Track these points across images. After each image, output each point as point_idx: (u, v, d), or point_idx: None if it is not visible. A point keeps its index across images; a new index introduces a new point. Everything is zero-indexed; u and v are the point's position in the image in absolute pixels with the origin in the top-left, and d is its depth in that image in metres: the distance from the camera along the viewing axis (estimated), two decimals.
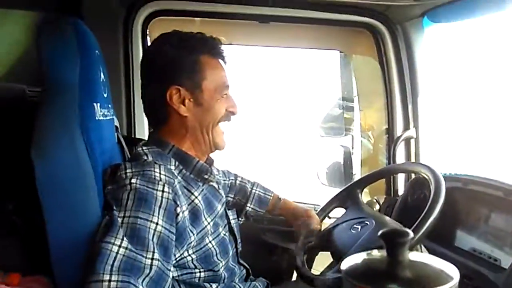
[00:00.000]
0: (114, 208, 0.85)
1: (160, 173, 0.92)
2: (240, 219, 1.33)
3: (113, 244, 0.79)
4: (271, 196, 1.38)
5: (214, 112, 1.04)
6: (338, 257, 1.17)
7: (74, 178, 0.80)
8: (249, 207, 1.35)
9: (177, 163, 1.02)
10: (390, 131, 1.62)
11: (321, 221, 1.31)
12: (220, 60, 1.06)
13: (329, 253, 1.22)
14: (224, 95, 1.05)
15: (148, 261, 0.81)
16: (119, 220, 0.83)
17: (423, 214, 1.00)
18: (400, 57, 1.54)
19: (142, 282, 0.79)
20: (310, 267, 1.39)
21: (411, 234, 0.46)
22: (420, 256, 0.49)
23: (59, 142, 0.79)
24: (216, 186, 1.11)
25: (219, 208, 1.08)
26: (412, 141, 1.59)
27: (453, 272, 0.48)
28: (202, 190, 1.04)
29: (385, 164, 1.67)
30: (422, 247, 1.13)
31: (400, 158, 1.60)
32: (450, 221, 1.25)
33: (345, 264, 0.50)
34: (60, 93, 0.82)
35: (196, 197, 0.99)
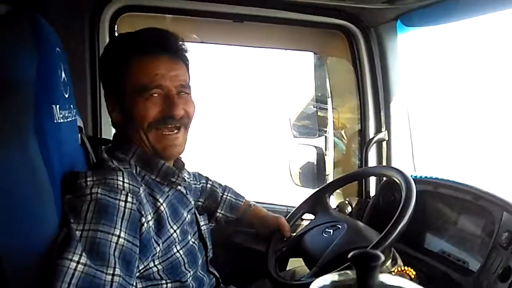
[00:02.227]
0: (72, 220, 0.79)
1: (123, 181, 0.86)
2: (210, 224, 1.29)
3: (71, 260, 0.73)
4: (242, 202, 1.35)
5: (136, 116, 0.93)
6: (312, 262, 1.16)
7: (27, 186, 0.73)
8: (220, 213, 1.32)
9: (139, 169, 0.96)
10: (362, 133, 1.62)
11: (291, 227, 1.29)
12: (154, 57, 0.94)
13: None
14: (150, 96, 0.93)
15: (109, 277, 0.75)
16: (78, 233, 0.77)
17: (394, 219, 1.00)
18: (373, 60, 1.54)
19: None
20: (283, 268, 1.38)
21: (382, 258, 0.44)
22: (391, 279, 0.47)
23: (8, 145, 0.71)
24: (184, 191, 1.05)
25: (186, 215, 1.02)
26: (384, 144, 1.61)
27: None
28: (168, 196, 0.98)
29: (357, 165, 1.68)
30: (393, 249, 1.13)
31: (372, 160, 1.61)
32: (420, 224, 1.26)
33: (314, 287, 0.47)
34: (13, 92, 0.75)
35: (161, 204, 0.94)
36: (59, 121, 0.86)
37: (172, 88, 0.95)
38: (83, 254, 0.75)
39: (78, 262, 0.73)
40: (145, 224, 0.86)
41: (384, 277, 0.45)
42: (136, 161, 0.97)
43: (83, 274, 0.73)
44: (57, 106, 0.86)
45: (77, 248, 0.75)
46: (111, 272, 0.76)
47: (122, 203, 0.83)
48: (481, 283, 0.98)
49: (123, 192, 0.85)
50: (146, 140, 0.95)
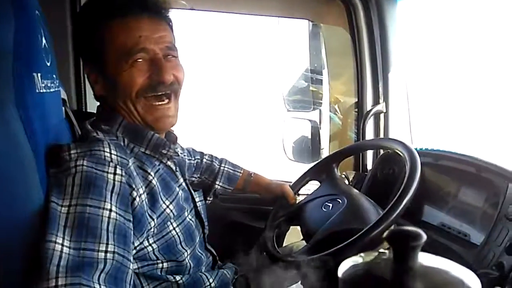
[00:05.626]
0: (56, 196, 0.73)
1: (110, 153, 0.80)
2: (208, 198, 1.25)
3: (55, 242, 0.67)
4: (240, 173, 1.31)
5: (122, 86, 0.86)
6: (308, 235, 1.13)
7: (9, 161, 0.66)
8: (218, 185, 1.27)
9: (127, 141, 0.90)
10: (359, 105, 1.58)
11: (296, 194, 1.27)
12: (135, 18, 0.87)
13: (299, 230, 1.19)
14: (135, 62, 0.86)
15: (102, 255, 0.70)
16: (63, 210, 0.71)
17: (399, 192, 0.97)
18: (372, 28, 1.48)
19: (98, 279, 0.68)
20: (280, 244, 1.36)
21: (424, 237, 0.39)
22: (433, 260, 0.42)
23: None
24: (173, 167, 0.99)
25: (178, 190, 0.96)
26: (381, 116, 1.56)
27: (474, 283, 0.42)
28: (158, 169, 0.92)
29: (353, 139, 1.64)
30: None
31: (369, 133, 1.58)
32: (418, 196, 1.22)
33: (343, 269, 0.43)
34: None
35: (153, 177, 0.88)
36: (42, 91, 0.78)
37: (158, 51, 0.88)
38: (66, 234, 0.69)
39: (62, 244, 0.68)
40: (137, 198, 0.81)
41: (424, 258, 0.40)
42: (123, 133, 0.90)
43: (71, 256, 0.67)
44: (39, 74, 0.78)
45: (59, 229, 0.69)
46: (104, 248, 0.70)
47: (111, 176, 0.77)
48: (486, 256, 0.97)
49: (111, 164, 0.78)
50: (134, 111, 0.89)
